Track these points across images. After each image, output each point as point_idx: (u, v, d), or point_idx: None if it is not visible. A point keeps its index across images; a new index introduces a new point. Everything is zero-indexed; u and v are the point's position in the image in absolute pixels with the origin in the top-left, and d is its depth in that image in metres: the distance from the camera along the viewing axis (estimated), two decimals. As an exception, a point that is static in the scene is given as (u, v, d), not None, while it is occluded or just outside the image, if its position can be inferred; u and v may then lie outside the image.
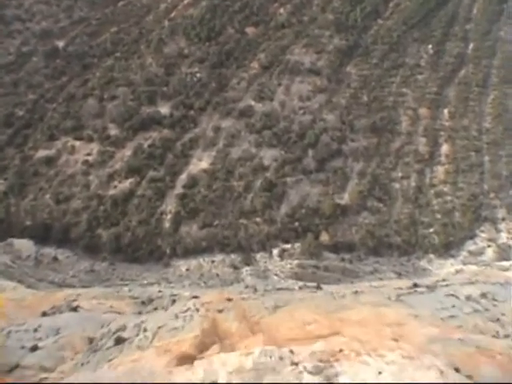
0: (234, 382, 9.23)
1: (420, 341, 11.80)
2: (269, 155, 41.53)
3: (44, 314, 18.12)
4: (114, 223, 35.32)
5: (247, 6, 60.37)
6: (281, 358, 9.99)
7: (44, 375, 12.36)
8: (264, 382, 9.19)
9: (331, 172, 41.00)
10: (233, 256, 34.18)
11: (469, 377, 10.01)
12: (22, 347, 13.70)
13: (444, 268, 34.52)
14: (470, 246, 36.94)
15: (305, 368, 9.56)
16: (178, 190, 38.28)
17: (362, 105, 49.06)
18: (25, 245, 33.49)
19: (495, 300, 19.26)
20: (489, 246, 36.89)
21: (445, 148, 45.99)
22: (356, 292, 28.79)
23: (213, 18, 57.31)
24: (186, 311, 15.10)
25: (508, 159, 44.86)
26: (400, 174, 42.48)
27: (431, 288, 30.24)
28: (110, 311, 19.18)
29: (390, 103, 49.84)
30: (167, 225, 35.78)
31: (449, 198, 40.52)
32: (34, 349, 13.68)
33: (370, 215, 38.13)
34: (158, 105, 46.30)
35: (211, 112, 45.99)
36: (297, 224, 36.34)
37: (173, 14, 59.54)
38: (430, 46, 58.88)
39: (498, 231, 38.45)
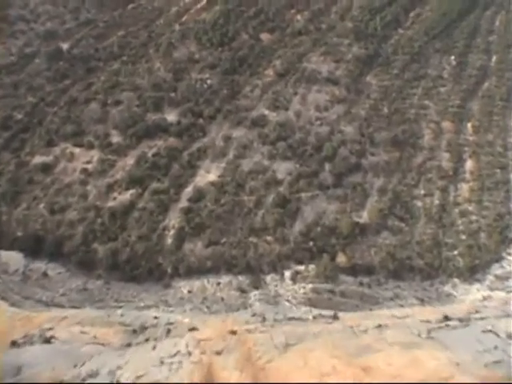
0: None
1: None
2: (282, 168, 40.77)
3: (13, 344, 17.66)
4: (112, 238, 34.35)
5: (262, 11, 61.37)
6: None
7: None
8: None
9: (349, 188, 40.12)
10: (240, 278, 33.07)
11: None
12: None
13: (469, 294, 33.68)
14: (497, 269, 35.80)
15: None
16: (183, 203, 37.33)
17: (382, 117, 48.86)
18: (13, 257, 32.60)
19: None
20: (516, 270, 35.93)
21: (469, 164, 45.20)
22: (379, 326, 26.69)
23: (226, 23, 57.84)
24: (174, 355, 13.48)
25: (535, 177, 44.07)
26: (422, 192, 41.43)
27: (464, 321, 28.22)
28: (93, 342, 18.45)
29: (412, 116, 49.74)
30: (169, 241, 34.71)
31: (474, 217, 39.34)
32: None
33: (390, 235, 37.05)
34: (164, 111, 46.01)
35: (221, 120, 45.53)
36: (311, 244, 35.23)
37: (184, 18, 60.35)
38: (453, 58, 59.24)
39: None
